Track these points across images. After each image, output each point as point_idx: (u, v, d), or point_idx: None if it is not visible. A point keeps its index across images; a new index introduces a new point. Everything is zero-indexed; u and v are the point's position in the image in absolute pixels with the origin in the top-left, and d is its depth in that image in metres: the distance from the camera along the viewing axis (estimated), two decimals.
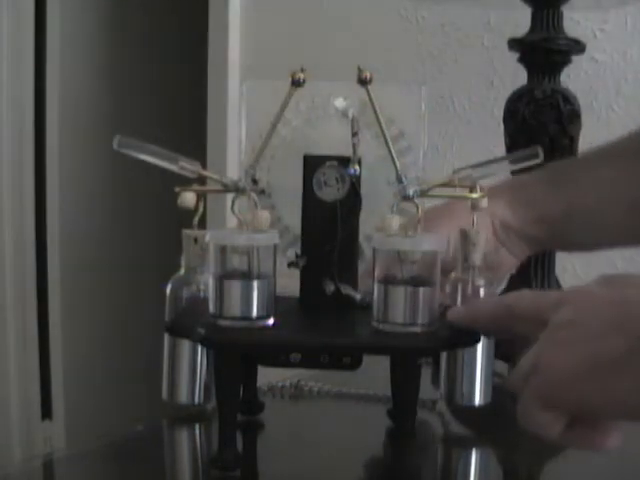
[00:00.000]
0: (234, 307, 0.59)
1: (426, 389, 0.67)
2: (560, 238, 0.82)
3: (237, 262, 0.60)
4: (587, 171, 0.82)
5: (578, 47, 1.01)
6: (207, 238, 0.60)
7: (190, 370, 0.66)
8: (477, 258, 0.65)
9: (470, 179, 0.64)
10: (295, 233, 0.66)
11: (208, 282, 0.61)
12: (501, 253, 0.81)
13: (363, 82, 0.61)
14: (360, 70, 0.61)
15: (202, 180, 0.64)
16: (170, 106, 2.67)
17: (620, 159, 0.81)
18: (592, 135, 0.89)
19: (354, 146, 0.63)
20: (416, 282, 0.60)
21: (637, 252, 1.36)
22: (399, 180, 0.62)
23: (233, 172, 1.86)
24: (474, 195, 0.64)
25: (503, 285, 0.93)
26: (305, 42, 1.89)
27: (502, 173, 0.68)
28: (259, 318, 0.59)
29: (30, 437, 2.38)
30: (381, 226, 0.61)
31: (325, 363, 0.61)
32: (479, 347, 0.64)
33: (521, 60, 1.03)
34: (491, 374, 0.65)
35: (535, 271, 1.02)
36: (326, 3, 1.88)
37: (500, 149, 1.06)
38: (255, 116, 0.66)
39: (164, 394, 0.67)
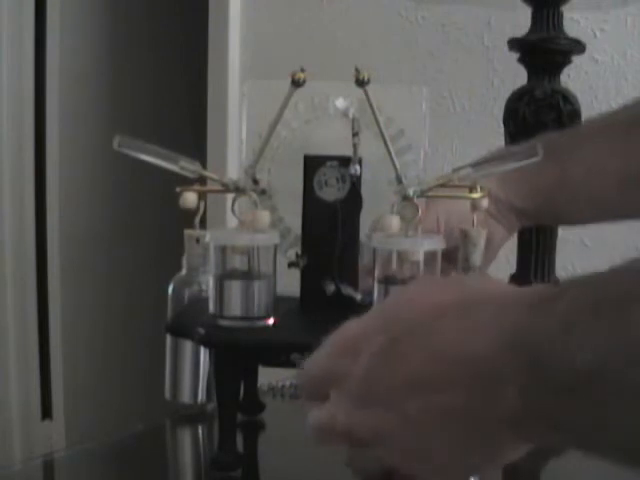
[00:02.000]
0: (234, 307, 0.59)
1: None
2: (550, 211, 0.82)
3: (238, 262, 0.60)
4: (578, 144, 0.82)
5: (578, 47, 1.01)
6: (207, 238, 0.60)
7: (192, 370, 0.66)
8: (477, 259, 0.65)
9: (470, 178, 0.63)
10: (297, 234, 0.66)
11: (209, 282, 0.61)
12: (491, 226, 0.81)
13: (361, 83, 0.61)
14: (358, 71, 0.61)
15: (202, 180, 0.64)
16: (170, 106, 2.67)
17: (611, 133, 0.81)
18: None
19: (355, 146, 0.63)
20: None
21: (638, 252, 1.36)
22: (398, 180, 0.62)
23: (233, 172, 1.86)
24: (474, 195, 0.64)
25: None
26: (305, 42, 1.88)
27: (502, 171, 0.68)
28: (259, 318, 0.59)
29: (30, 437, 2.37)
30: (377, 225, 0.60)
31: None
32: None
33: (521, 60, 1.03)
34: None
35: (535, 271, 1.02)
36: (326, 3, 1.88)
37: None
38: (256, 116, 0.66)
39: (167, 394, 0.67)
